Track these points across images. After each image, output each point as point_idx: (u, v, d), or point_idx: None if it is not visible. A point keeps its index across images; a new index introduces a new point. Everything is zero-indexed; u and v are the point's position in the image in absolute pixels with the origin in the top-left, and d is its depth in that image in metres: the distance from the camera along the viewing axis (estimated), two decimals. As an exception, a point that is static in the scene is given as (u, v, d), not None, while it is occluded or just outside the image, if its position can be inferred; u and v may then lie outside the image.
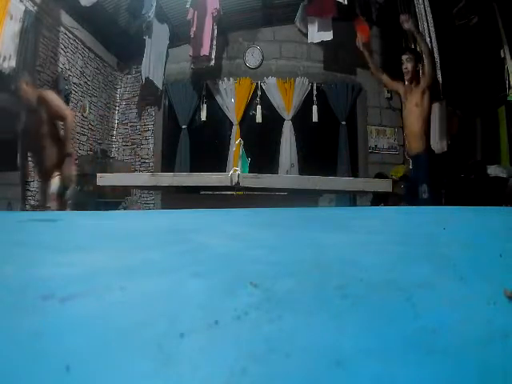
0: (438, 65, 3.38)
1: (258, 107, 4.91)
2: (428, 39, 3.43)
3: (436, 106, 4.42)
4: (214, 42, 4.37)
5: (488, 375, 0.16)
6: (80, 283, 0.26)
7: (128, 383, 0.16)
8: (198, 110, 5.02)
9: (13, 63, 2.96)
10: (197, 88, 4.97)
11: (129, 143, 5.18)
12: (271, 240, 0.50)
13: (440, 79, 3.37)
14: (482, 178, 3.37)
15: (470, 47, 3.79)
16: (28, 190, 3.47)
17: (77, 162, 4.24)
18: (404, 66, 2.71)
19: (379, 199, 3.80)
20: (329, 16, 4.09)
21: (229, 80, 4.95)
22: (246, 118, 5.01)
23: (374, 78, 3.24)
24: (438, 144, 4.26)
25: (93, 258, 0.35)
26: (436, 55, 3.40)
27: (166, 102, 5.10)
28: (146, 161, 5.08)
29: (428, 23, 3.43)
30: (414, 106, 2.66)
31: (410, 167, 2.76)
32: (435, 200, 2.48)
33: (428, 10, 3.41)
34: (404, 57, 2.73)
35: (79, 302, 0.23)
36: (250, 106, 5.00)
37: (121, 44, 4.85)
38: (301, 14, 4.45)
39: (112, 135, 5.16)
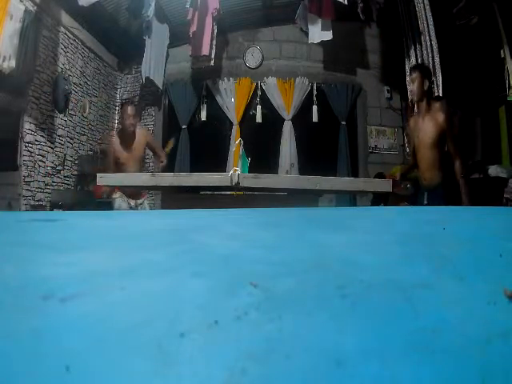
0: (439, 65, 3.38)
1: (258, 107, 4.91)
2: (428, 39, 3.43)
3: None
4: (214, 42, 4.37)
5: (488, 375, 0.16)
6: (80, 283, 0.26)
7: (128, 383, 0.16)
8: (198, 109, 5.02)
9: (13, 63, 2.95)
10: (197, 88, 4.97)
11: (129, 143, 5.18)
12: (271, 240, 0.50)
13: (440, 81, 3.37)
14: (483, 177, 3.37)
15: (470, 47, 3.79)
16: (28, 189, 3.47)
17: (76, 162, 4.25)
18: (409, 89, 2.54)
19: (379, 199, 3.80)
20: (328, 19, 4.09)
21: (229, 80, 4.95)
22: (246, 118, 5.01)
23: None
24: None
25: (93, 258, 0.35)
26: (436, 55, 3.40)
27: (166, 102, 5.10)
28: (146, 161, 5.07)
29: (428, 23, 3.43)
30: (425, 135, 2.39)
31: (425, 201, 2.43)
32: None
33: (428, 9, 3.41)
34: (408, 78, 2.57)
35: (79, 302, 0.23)
36: (250, 105, 5.00)
37: (121, 44, 4.85)
38: (301, 11, 4.45)
39: (112, 135, 5.16)
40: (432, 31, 3.41)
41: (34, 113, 3.50)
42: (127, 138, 2.94)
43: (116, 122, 5.21)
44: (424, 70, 2.52)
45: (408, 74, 2.56)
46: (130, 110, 2.89)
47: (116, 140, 2.98)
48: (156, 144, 3.23)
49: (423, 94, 2.42)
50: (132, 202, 3.03)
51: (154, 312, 0.22)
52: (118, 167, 2.90)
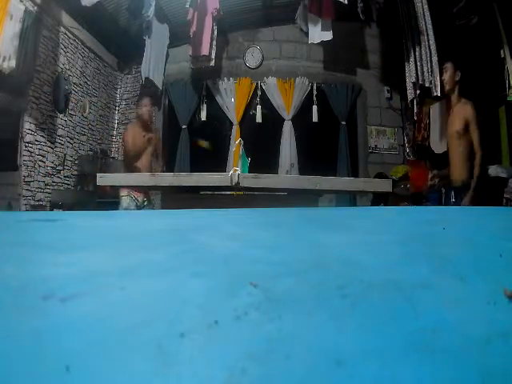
0: (437, 65, 3.39)
1: (258, 107, 4.91)
2: (427, 39, 3.43)
3: (437, 106, 4.42)
4: (214, 42, 4.37)
5: (488, 375, 0.16)
6: (80, 283, 0.26)
7: (128, 383, 0.16)
8: (198, 109, 5.02)
9: (13, 63, 2.95)
10: (197, 88, 4.97)
11: (129, 143, 5.18)
12: (271, 240, 0.50)
13: (439, 81, 3.36)
14: (484, 177, 3.37)
15: (470, 47, 3.79)
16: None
17: (76, 162, 4.25)
18: (442, 77, 2.54)
19: (379, 199, 3.80)
20: (328, 19, 4.09)
21: (229, 80, 4.95)
22: (246, 118, 5.01)
23: None
24: (438, 144, 4.26)
25: (93, 258, 0.35)
26: (435, 55, 3.40)
27: (166, 102, 5.10)
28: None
29: (427, 23, 3.43)
30: (453, 127, 2.40)
31: (452, 199, 2.40)
32: None
33: (426, 9, 3.41)
34: (442, 67, 2.55)
35: (79, 302, 0.23)
36: (250, 105, 5.00)
37: (121, 44, 4.85)
38: (301, 11, 4.45)
39: (112, 135, 5.16)
40: (431, 31, 3.41)
41: (34, 113, 3.50)
42: (142, 127, 3.05)
43: (116, 122, 5.21)
44: (457, 62, 2.52)
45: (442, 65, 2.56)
46: (146, 100, 3.07)
47: (132, 127, 3.17)
48: (159, 151, 3.30)
49: (455, 84, 2.42)
50: (139, 199, 3.08)
51: (154, 312, 0.22)
52: (133, 156, 2.98)
